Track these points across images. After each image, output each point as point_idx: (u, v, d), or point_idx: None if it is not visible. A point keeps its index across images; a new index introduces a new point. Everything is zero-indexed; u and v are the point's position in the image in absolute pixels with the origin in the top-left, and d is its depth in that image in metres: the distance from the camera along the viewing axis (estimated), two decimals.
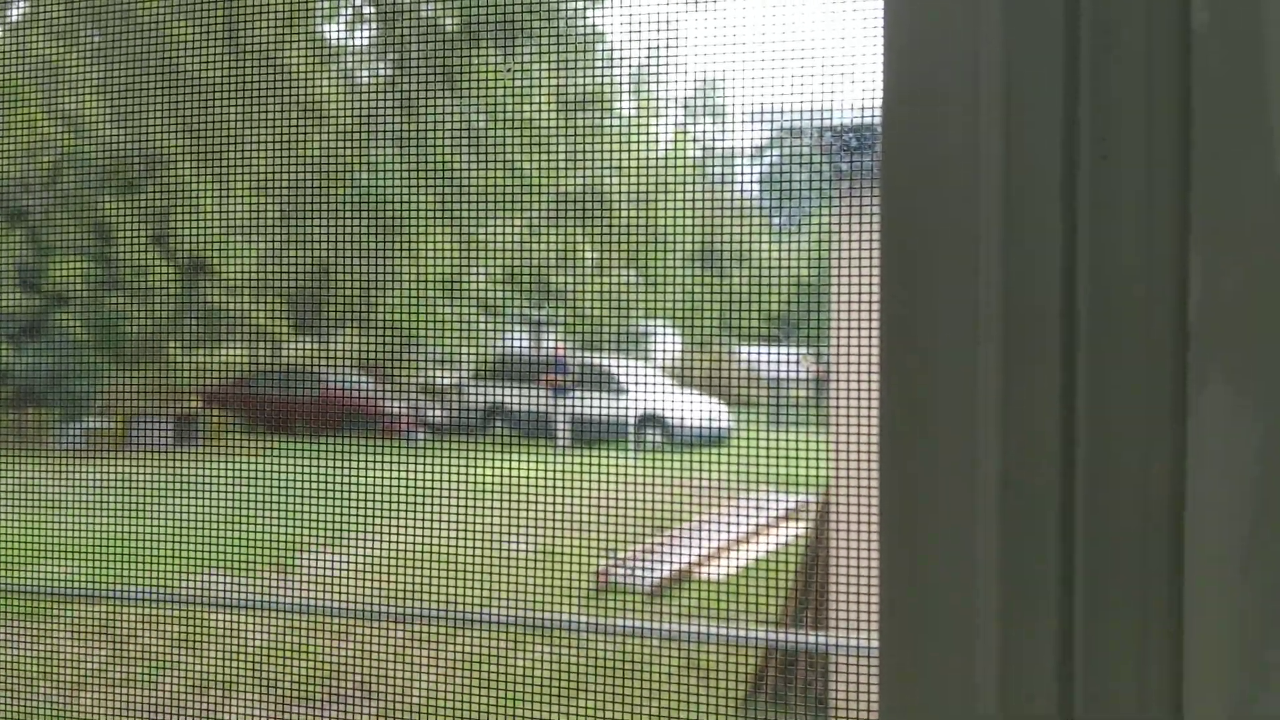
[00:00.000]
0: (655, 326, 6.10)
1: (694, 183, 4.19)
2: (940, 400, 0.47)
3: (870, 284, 2.30)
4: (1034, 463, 0.46)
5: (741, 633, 3.38)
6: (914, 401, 0.47)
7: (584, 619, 3.62)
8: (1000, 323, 0.44)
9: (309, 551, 4.23)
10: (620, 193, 3.37)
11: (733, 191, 4.75)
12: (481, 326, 5.30)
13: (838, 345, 2.91)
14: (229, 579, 4.07)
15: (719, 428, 5.47)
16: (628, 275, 5.03)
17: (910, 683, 0.51)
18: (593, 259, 4.98)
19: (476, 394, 5.62)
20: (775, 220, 4.58)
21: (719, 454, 5.26)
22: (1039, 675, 0.49)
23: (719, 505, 4.50)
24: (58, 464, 5.69)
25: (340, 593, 3.99)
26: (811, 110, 2.63)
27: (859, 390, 2.54)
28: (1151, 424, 0.45)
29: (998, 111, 0.42)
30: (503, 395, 5.55)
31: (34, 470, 5.52)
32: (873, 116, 2.51)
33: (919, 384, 0.48)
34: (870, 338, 2.36)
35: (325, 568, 4.16)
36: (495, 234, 4.68)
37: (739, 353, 5.40)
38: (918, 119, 0.44)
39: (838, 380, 3.00)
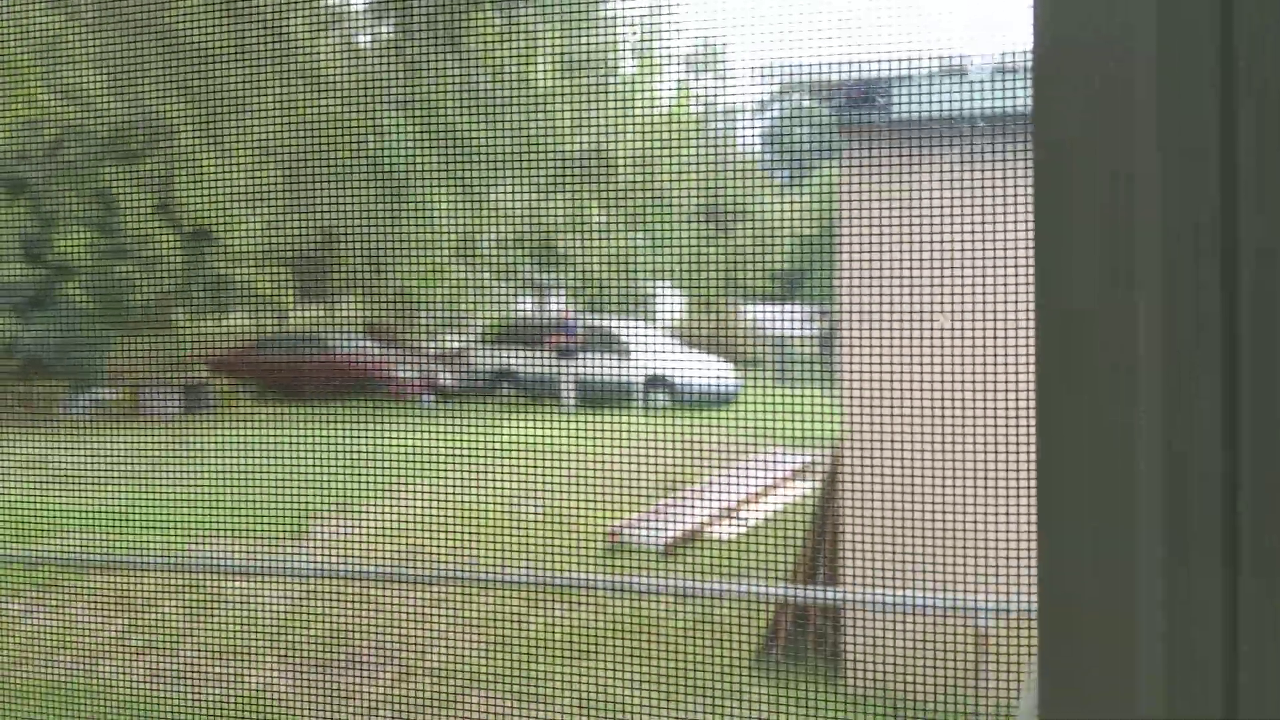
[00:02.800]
0: (660, 287, 6.10)
1: (697, 140, 4.17)
2: (1097, 363, 0.43)
3: (878, 239, 2.29)
4: (1196, 434, 0.42)
5: (754, 589, 3.40)
6: (1069, 366, 0.43)
7: (598, 577, 3.65)
8: (1159, 279, 0.40)
9: (321, 517, 4.26)
10: (624, 154, 3.35)
11: (736, 148, 4.72)
12: (489, 290, 5.29)
13: (845, 302, 2.90)
14: (242, 545, 4.11)
15: (726, 387, 5.48)
16: (633, 237, 5.02)
17: (1071, 675, 0.47)
18: (599, 221, 4.96)
19: (484, 357, 5.63)
20: (779, 176, 4.56)
21: (727, 414, 5.27)
22: (1205, 671, 0.45)
23: (728, 465, 4.52)
24: (68, 434, 5.72)
25: (353, 556, 4.02)
26: (812, 65, 2.61)
27: (867, 346, 2.53)
28: None
29: (1151, 54, 0.39)
30: (510, 358, 5.56)
31: (45, 440, 5.55)
32: (878, 70, 2.49)
33: (1074, 345, 0.43)
34: (878, 293, 2.35)
35: (337, 532, 4.19)
36: (501, 197, 4.66)
37: (745, 311, 5.40)
38: (1070, 66, 0.41)
39: (845, 336, 3.00)
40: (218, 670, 3.41)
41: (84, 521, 4.27)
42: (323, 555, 4.04)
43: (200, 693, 3.33)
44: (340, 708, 3.21)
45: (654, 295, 5.97)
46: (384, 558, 4.01)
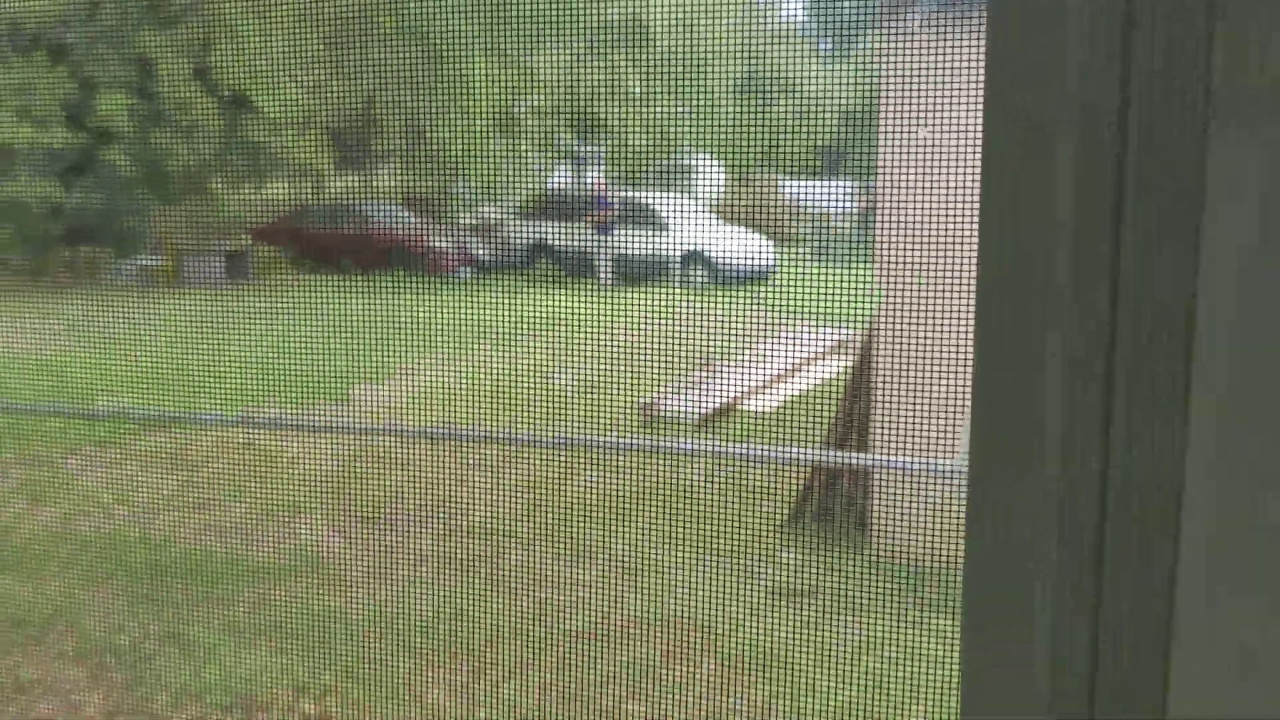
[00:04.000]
0: (699, 160, 6.03)
1: (738, 7, 4.07)
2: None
3: (918, 113, 2.26)
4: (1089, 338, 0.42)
5: (786, 453, 3.47)
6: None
7: (634, 440, 3.73)
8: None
9: (363, 383, 4.36)
10: (663, 21, 3.29)
11: (778, 16, 4.61)
12: (526, 162, 5.26)
13: (885, 178, 2.88)
14: (288, 409, 4.22)
15: (763, 263, 5.47)
16: (671, 108, 4.95)
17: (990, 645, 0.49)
18: (636, 91, 4.89)
19: (520, 230, 5.63)
20: (822, 47, 4.45)
21: (763, 289, 5.28)
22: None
23: (763, 340, 4.55)
24: (116, 299, 5.83)
25: (394, 421, 4.12)
26: None
27: (905, 223, 2.53)
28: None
29: None
30: (547, 232, 5.55)
31: (94, 305, 5.67)
32: None
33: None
34: (918, 169, 2.33)
35: (379, 399, 4.29)
36: (539, 65, 4.60)
37: (784, 186, 5.34)
38: None
39: (883, 213, 2.98)
40: (267, 525, 3.56)
41: (135, 383, 4.40)
42: (364, 418, 4.15)
43: (250, 547, 3.48)
44: (385, 562, 3.35)
45: (692, 169, 5.92)
46: (425, 423, 4.11)
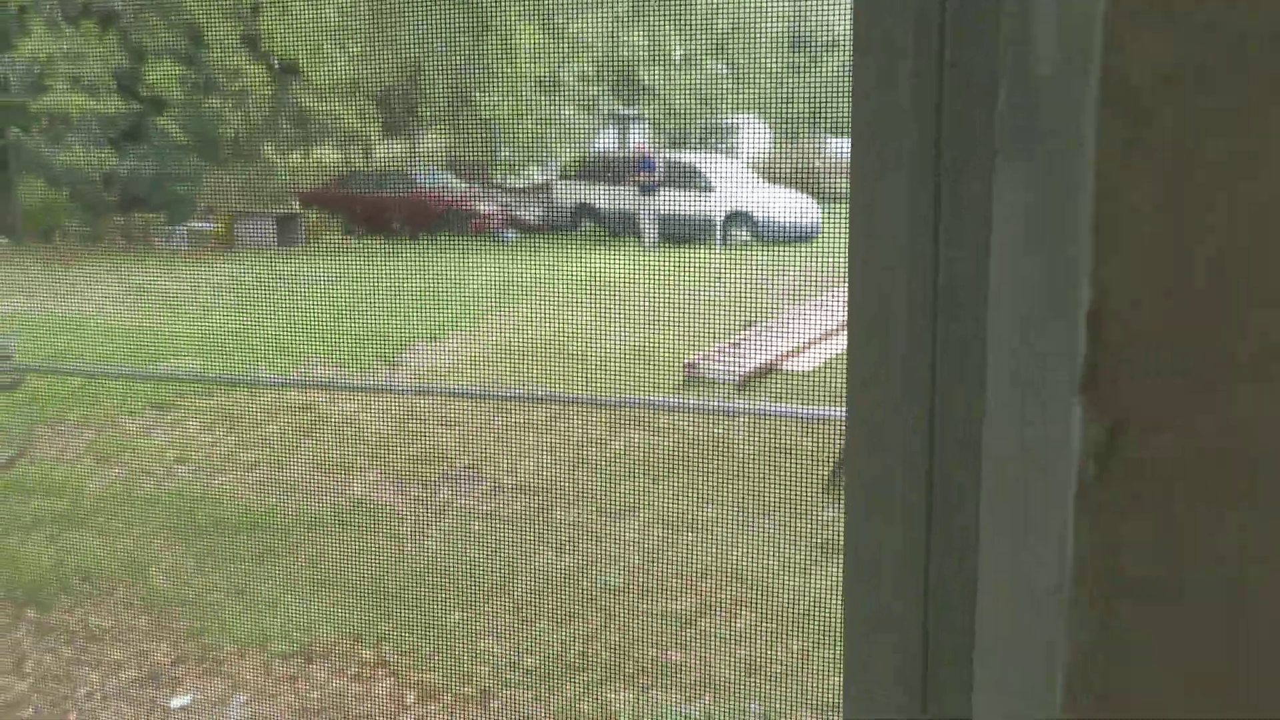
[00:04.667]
0: (743, 120, 6.02)
1: None
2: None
3: None
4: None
5: (827, 414, 3.50)
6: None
7: (679, 400, 3.78)
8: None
9: (410, 343, 4.44)
10: None
11: None
12: (570, 124, 5.29)
13: None
14: (341, 370, 4.32)
15: (808, 223, 5.46)
16: (715, 67, 4.95)
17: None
18: (680, 54, 4.89)
19: (565, 192, 5.68)
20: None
21: (808, 249, 5.28)
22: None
23: (807, 300, 4.57)
24: (171, 264, 5.97)
25: (442, 380, 4.21)
26: None
27: None
28: None
29: None
30: (591, 193, 5.59)
31: (150, 270, 5.80)
32: None
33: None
34: None
35: (429, 360, 4.38)
36: (584, 29, 4.61)
37: (829, 145, 5.32)
38: None
39: None
40: (323, 482, 3.66)
41: (194, 346, 4.53)
42: (414, 379, 4.23)
43: (308, 503, 3.58)
44: (436, 517, 3.44)
45: (737, 128, 5.91)
46: (473, 383, 4.19)
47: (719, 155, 5.96)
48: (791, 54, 4.41)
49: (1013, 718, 0.50)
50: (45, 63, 6.42)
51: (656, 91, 5.22)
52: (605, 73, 5.12)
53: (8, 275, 5.61)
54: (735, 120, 5.86)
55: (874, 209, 0.56)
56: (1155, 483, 0.41)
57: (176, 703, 2.71)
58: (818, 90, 5.33)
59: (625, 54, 4.92)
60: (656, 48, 4.79)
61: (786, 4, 4.00)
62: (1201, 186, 0.38)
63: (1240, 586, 0.41)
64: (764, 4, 3.79)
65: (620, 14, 4.48)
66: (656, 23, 4.55)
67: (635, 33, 4.69)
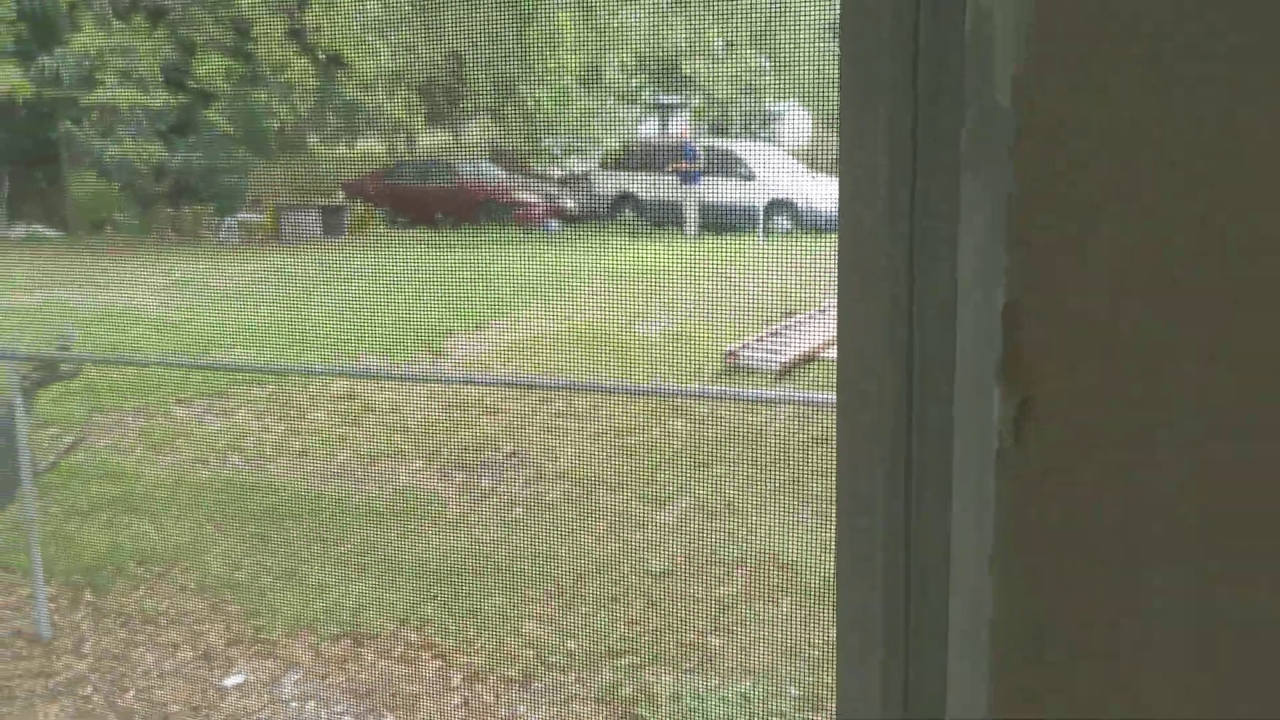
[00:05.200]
0: (785, 107, 6.00)
1: None
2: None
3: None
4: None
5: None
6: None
7: (720, 389, 3.80)
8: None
9: (454, 333, 4.50)
10: None
11: None
12: (611, 114, 5.32)
13: None
14: (387, 359, 4.38)
15: None
16: (756, 54, 4.94)
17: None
18: (721, 44, 4.89)
19: (606, 182, 5.70)
20: None
21: None
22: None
23: None
24: (219, 255, 6.08)
25: (486, 369, 4.26)
26: None
27: None
28: None
29: None
30: (632, 182, 5.61)
31: (199, 262, 5.92)
32: None
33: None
34: None
35: (473, 349, 4.43)
36: (625, 18, 4.63)
37: None
38: None
39: None
40: (370, 469, 3.73)
41: (243, 336, 4.61)
42: (459, 368, 4.29)
43: (355, 490, 3.65)
44: (480, 504, 3.50)
45: (779, 116, 5.90)
46: (516, 372, 4.23)
47: (760, 143, 5.96)
48: (833, 40, 4.40)
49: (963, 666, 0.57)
50: (96, 57, 6.54)
51: (698, 81, 5.23)
52: (647, 63, 5.13)
53: (62, 267, 5.75)
54: (777, 107, 5.85)
55: (859, 222, 0.63)
56: (1059, 447, 0.50)
57: (230, 681, 2.78)
58: None
59: (667, 45, 4.93)
60: (697, 36, 4.79)
61: None
62: (1086, 212, 0.49)
63: (1134, 528, 0.50)
64: None
65: (661, 3, 4.50)
66: (698, 11, 4.56)
67: (676, 22, 4.70)
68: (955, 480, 0.58)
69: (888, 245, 0.59)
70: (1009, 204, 0.49)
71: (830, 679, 2.63)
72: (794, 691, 2.60)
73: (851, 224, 0.60)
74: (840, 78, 0.60)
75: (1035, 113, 0.48)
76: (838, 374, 0.60)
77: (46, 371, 3.45)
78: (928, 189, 0.56)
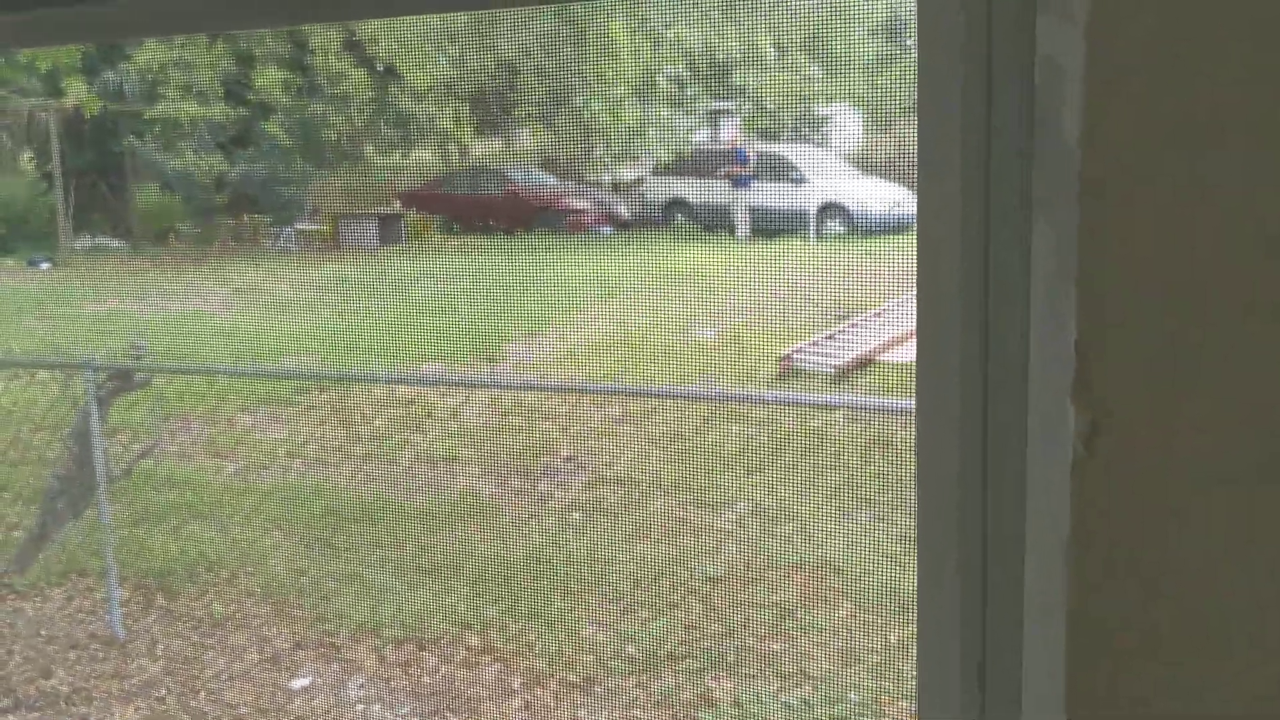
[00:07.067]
0: (836, 110, 5.98)
1: None
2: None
3: None
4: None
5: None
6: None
7: (775, 393, 3.81)
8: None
9: (510, 339, 4.55)
10: None
11: None
12: (665, 123, 5.33)
13: None
14: (446, 366, 4.44)
15: (903, 214, 5.41)
16: (807, 63, 4.94)
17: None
18: (772, 46, 4.89)
19: (658, 188, 5.72)
20: None
21: (904, 241, 5.23)
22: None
23: (903, 292, 4.54)
24: (280, 264, 6.19)
25: (542, 375, 4.30)
26: None
27: None
28: None
29: None
30: (684, 188, 5.62)
31: (260, 270, 6.03)
32: None
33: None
34: None
35: (531, 354, 4.47)
36: (677, 32, 4.65)
37: None
38: None
39: None
40: (431, 475, 3.78)
41: (304, 343, 4.70)
42: (517, 374, 4.33)
43: (417, 495, 3.70)
44: (537, 509, 3.53)
45: (829, 119, 5.88)
46: (572, 378, 4.27)
47: (811, 146, 5.94)
48: (884, 43, 4.39)
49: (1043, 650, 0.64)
50: (157, 71, 6.68)
51: (749, 87, 5.23)
52: (699, 70, 5.14)
53: (127, 277, 5.88)
54: (827, 111, 5.83)
55: (937, 249, 0.68)
56: (1126, 459, 0.57)
57: (297, 684, 2.84)
58: (910, 80, 5.26)
59: (719, 53, 4.94)
60: (747, 43, 4.80)
61: None
62: (1148, 254, 0.54)
63: (1196, 528, 0.57)
64: None
65: (711, 12, 4.51)
66: (748, 18, 4.56)
67: (728, 29, 4.71)
68: (1030, 486, 0.65)
69: (959, 277, 0.67)
70: (1079, 245, 0.54)
71: (890, 684, 2.62)
72: (854, 697, 2.60)
73: (930, 253, 0.65)
74: (919, 131, 0.66)
75: (1099, 158, 0.54)
76: (916, 387, 0.65)
77: (121, 381, 3.54)
78: (1001, 218, 0.61)
